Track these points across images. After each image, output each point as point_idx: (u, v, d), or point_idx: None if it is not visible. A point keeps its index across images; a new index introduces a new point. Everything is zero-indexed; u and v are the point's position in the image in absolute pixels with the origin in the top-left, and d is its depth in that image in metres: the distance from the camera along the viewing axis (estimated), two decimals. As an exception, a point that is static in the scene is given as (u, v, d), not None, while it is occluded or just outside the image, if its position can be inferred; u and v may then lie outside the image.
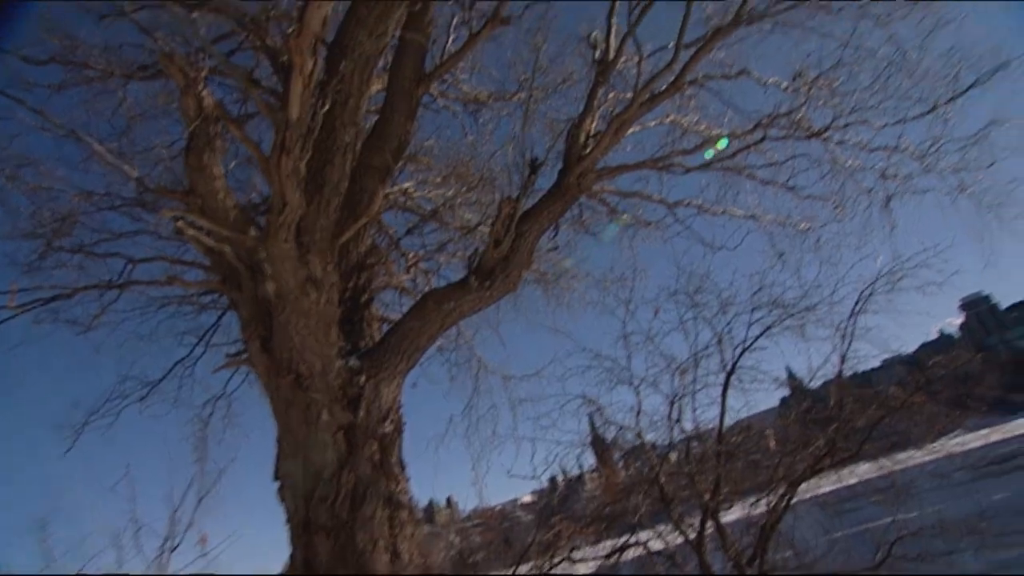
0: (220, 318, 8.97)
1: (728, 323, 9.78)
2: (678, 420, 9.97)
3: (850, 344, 9.51)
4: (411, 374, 6.82)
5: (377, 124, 6.23)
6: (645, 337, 10.25)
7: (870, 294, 9.17)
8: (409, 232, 10.09)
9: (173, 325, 9.23)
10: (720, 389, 9.72)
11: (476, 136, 10.14)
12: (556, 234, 7.09)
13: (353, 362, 5.81)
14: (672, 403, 9.83)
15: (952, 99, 6.99)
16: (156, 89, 8.33)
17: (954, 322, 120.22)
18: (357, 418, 5.67)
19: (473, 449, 10.53)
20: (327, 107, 4.35)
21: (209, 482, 9.88)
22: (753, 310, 9.64)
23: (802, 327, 9.65)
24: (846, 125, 7.34)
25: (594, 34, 7.45)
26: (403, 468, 6.20)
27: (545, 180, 7.05)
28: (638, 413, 10.09)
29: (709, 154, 7.60)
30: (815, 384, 11.25)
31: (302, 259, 4.92)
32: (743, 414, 11.31)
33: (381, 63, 6.59)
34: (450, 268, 10.07)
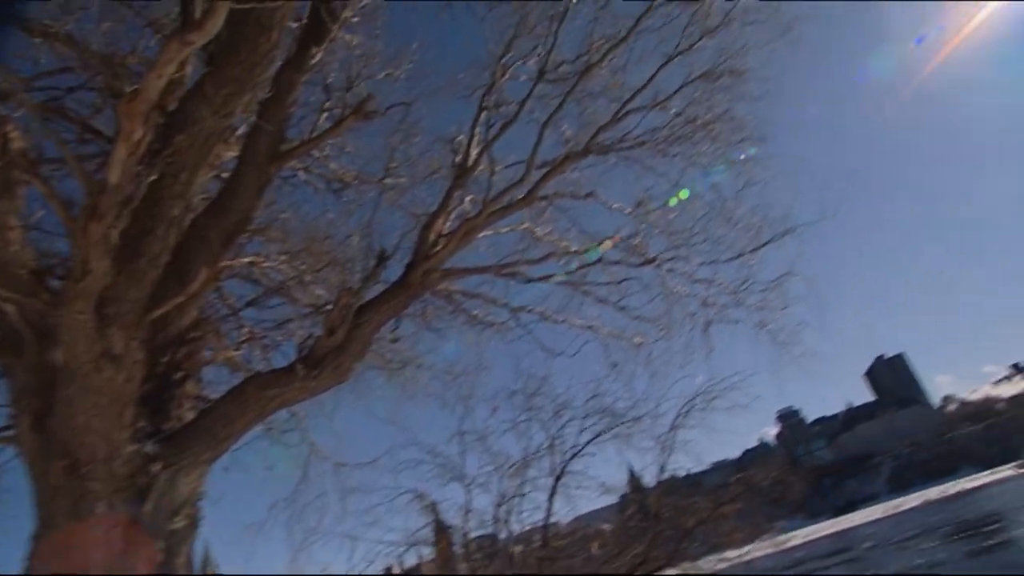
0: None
1: (561, 428, 10.10)
2: (506, 521, 9.93)
3: (669, 455, 10.18)
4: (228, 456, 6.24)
5: (222, 194, 5.95)
6: (480, 436, 10.26)
7: (688, 411, 9.97)
8: (251, 304, 9.53)
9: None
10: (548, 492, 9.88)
11: (337, 215, 10.03)
12: (398, 326, 7.05)
13: (149, 447, 5.21)
14: (500, 504, 9.80)
15: (754, 250, 8.19)
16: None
17: (771, 432, 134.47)
18: (142, 512, 5.03)
19: (295, 539, 9.72)
20: (155, 177, 4.10)
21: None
22: (585, 417, 10.06)
23: (629, 436, 10.20)
24: (672, 258, 8.24)
25: (459, 139, 7.84)
26: (191, 569, 5.55)
27: (394, 270, 7.11)
28: (467, 512, 9.93)
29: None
30: (650, 485, 11.82)
31: (102, 332, 4.43)
32: (584, 510, 11.49)
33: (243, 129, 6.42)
34: (292, 346, 9.57)
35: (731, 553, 11.93)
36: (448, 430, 10.36)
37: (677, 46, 7.91)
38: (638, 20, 7.10)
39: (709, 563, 11.15)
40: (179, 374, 6.04)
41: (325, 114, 7.93)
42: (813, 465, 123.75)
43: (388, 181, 9.64)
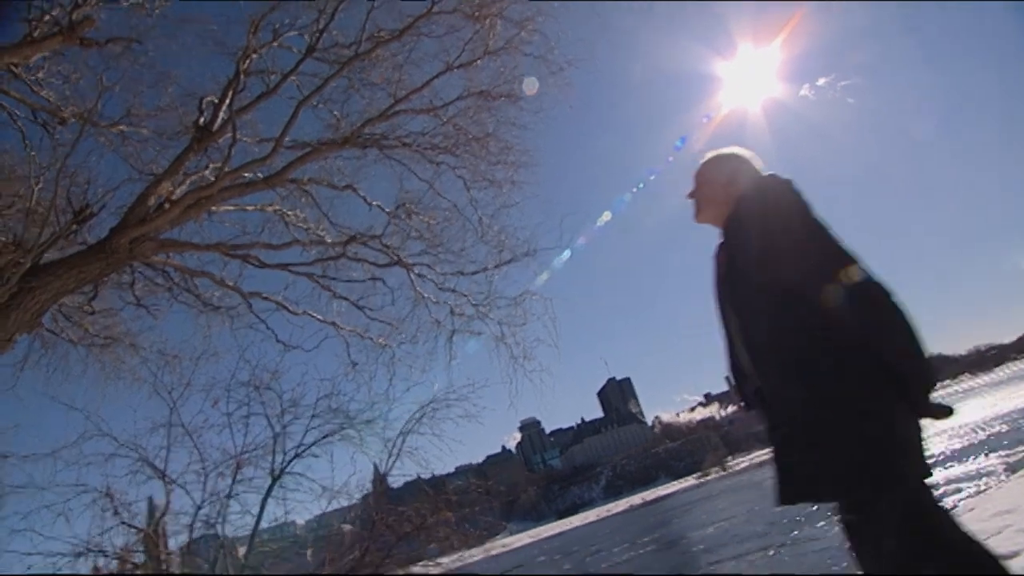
0: None
1: (285, 425, 9.29)
2: (214, 525, 8.88)
3: (395, 461, 9.98)
4: None
5: None
6: (192, 429, 8.97)
7: (420, 417, 9.86)
8: None
9: None
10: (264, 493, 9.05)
11: (43, 154, 8.23)
12: (95, 296, 5.98)
13: None
14: (200, 507, 8.70)
15: (498, 267, 8.57)
16: None
17: (514, 439, 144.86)
18: None
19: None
20: None
21: None
22: (314, 416, 9.39)
23: (361, 438, 9.83)
24: (422, 263, 8.25)
25: (208, 98, 6.95)
26: None
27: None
28: (162, 514, 8.66)
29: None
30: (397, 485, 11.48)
31: None
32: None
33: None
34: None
35: (447, 558, 12.16)
36: (154, 421, 8.88)
37: (458, 57, 8.03)
38: (415, 20, 7.01)
39: (426, 566, 11.19)
40: None
41: (41, 28, 6.47)
42: (546, 473, 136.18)
43: (123, 129, 8.26)
